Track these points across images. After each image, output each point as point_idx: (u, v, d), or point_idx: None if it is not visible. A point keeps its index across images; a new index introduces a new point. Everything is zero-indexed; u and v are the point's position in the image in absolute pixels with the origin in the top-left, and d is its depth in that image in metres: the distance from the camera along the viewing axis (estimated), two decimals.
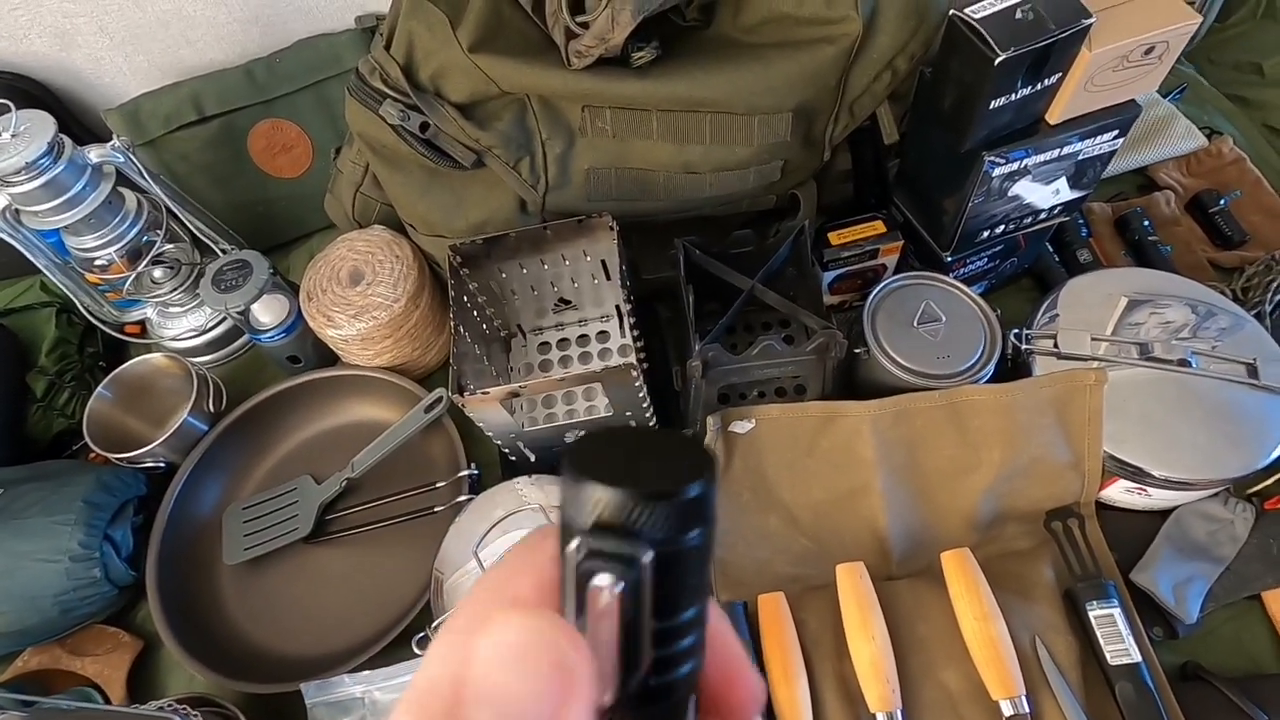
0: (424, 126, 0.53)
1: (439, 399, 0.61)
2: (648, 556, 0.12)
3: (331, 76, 0.73)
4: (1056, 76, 0.47)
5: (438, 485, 0.61)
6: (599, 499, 0.12)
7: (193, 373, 0.64)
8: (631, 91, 0.50)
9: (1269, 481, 0.53)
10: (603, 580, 0.12)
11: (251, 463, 0.67)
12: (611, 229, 0.54)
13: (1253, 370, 0.53)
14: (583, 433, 0.56)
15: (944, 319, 0.56)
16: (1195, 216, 0.72)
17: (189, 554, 0.61)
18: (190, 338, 0.72)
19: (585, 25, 0.47)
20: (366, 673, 0.53)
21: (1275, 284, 0.62)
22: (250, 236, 0.78)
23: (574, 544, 0.12)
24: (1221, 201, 0.70)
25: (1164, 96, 0.78)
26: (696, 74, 0.50)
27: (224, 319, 0.72)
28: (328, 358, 0.69)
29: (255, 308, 0.65)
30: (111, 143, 0.61)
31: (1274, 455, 0.50)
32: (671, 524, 0.12)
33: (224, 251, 0.70)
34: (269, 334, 0.66)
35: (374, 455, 0.62)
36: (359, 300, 0.62)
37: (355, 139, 0.61)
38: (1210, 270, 0.68)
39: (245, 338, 0.74)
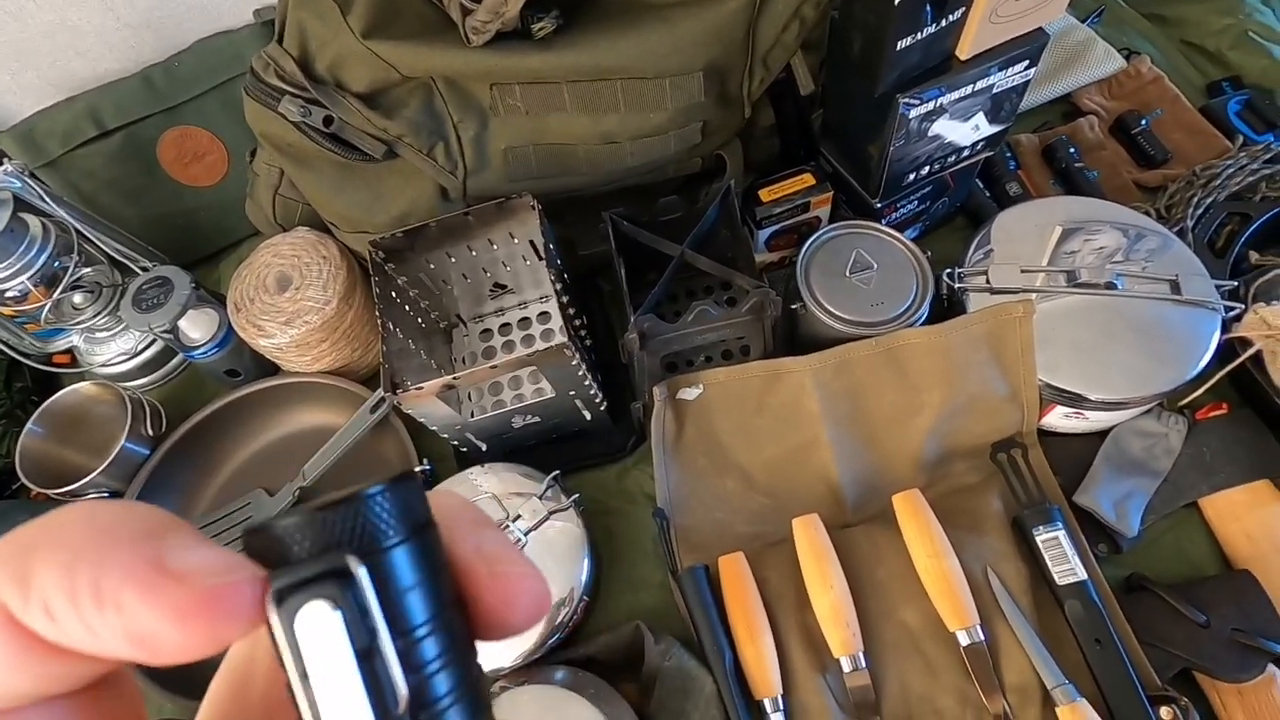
0: (328, 120, 0.51)
1: (382, 399, 0.60)
2: (355, 564, 0.11)
3: (236, 76, 0.70)
4: (960, 11, 0.47)
5: None
6: (280, 529, 0.10)
7: (125, 398, 0.62)
8: (536, 65, 0.49)
9: (1198, 392, 0.54)
10: (314, 610, 0.10)
11: (200, 482, 0.66)
12: (533, 208, 0.53)
13: (1175, 286, 0.54)
14: (532, 418, 0.56)
15: (875, 266, 0.56)
16: (1119, 139, 0.72)
17: None
18: (121, 362, 0.70)
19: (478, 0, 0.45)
20: None
21: (1195, 199, 0.63)
22: (174, 251, 0.75)
23: (268, 596, 0.11)
24: (1143, 122, 0.71)
25: (1082, 21, 0.78)
26: (600, 41, 0.49)
27: (154, 340, 0.70)
28: (267, 368, 0.68)
29: (183, 324, 0.63)
30: (3, 167, 0.58)
31: (1201, 366, 0.52)
32: (373, 520, 0.11)
33: (144, 270, 0.68)
34: (201, 350, 0.64)
35: (324, 461, 0.61)
36: (289, 306, 0.61)
37: (263, 142, 0.59)
38: (1136, 191, 0.69)
39: (180, 356, 0.72)
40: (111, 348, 0.69)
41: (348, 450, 0.61)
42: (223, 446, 0.67)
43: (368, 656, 0.10)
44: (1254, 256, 0.61)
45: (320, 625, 0.10)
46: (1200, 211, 0.62)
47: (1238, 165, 0.64)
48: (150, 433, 0.64)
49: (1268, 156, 0.64)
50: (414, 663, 0.11)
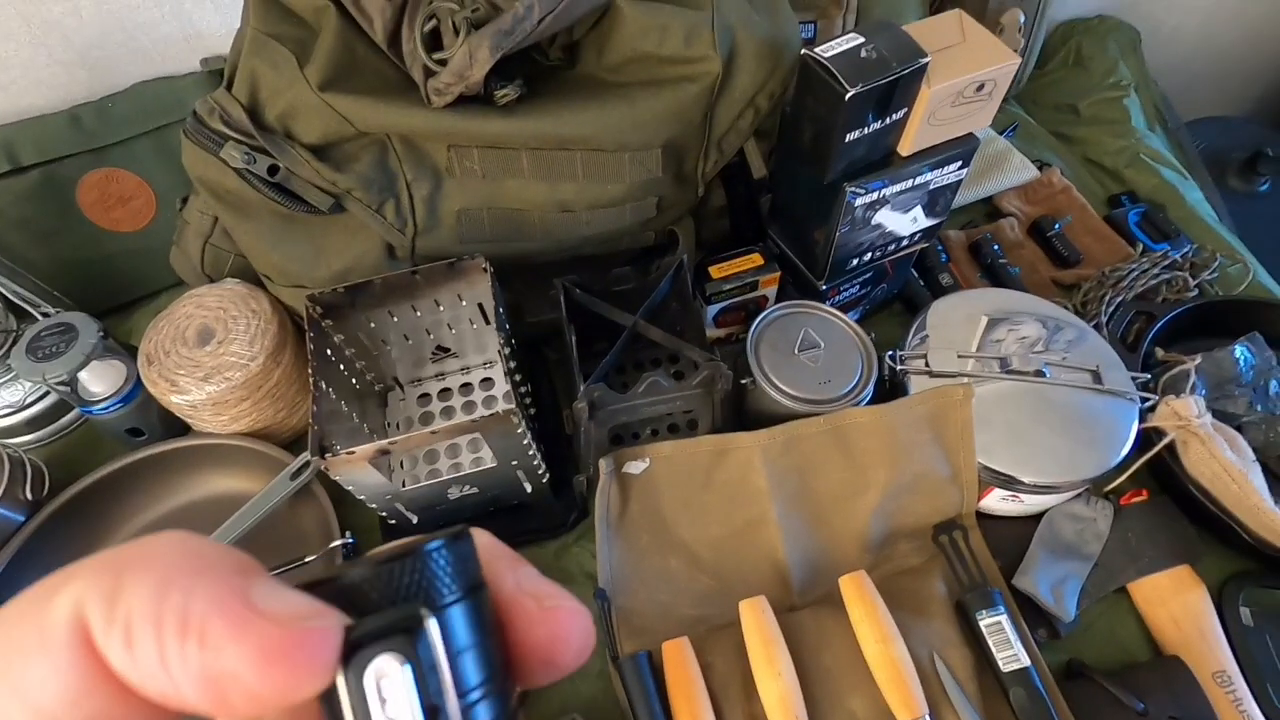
0: (273, 170, 0.49)
1: (306, 464, 0.56)
2: (429, 619, 0.10)
3: (174, 122, 0.68)
4: (902, 111, 0.50)
5: (308, 560, 0.55)
6: (345, 581, 0.10)
7: (3, 456, 0.55)
8: (497, 130, 0.49)
9: (1122, 479, 0.57)
10: (384, 663, 0.10)
11: (85, 554, 0.58)
12: (485, 271, 0.52)
13: (1097, 377, 0.57)
14: (468, 489, 0.53)
15: (823, 345, 0.57)
16: (1036, 240, 0.78)
17: None
18: (6, 415, 0.63)
19: (443, 62, 0.46)
20: None
21: (1106, 298, 0.68)
22: (86, 298, 0.70)
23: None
24: (1056, 226, 0.77)
25: (1000, 134, 0.86)
26: (563, 112, 0.49)
27: (48, 392, 0.63)
28: (176, 427, 0.62)
29: (84, 376, 0.57)
30: None
31: (1124, 453, 0.54)
32: (435, 575, 0.11)
33: (46, 315, 0.62)
34: (103, 405, 0.59)
35: (233, 532, 0.56)
36: (209, 361, 0.56)
37: (199, 188, 0.56)
38: (1053, 288, 0.74)
39: (76, 411, 0.65)
40: None
41: (261, 520, 0.56)
42: (115, 513, 0.60)
43: (433, 716, 0.10)
44: (1159, 353, 0.66)
45: (391, 680, 0.10)
46: (1112, 309, 0.67)
47: (1141, 269, 0.69)
48: (29, 497, 0.57)
49: (1166, 263, 0.70)
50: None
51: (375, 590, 0.10)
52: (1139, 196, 0.81)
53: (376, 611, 0.10)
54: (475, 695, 0.11)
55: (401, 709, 0.10)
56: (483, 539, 0.13)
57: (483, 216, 0.54)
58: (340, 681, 0.10)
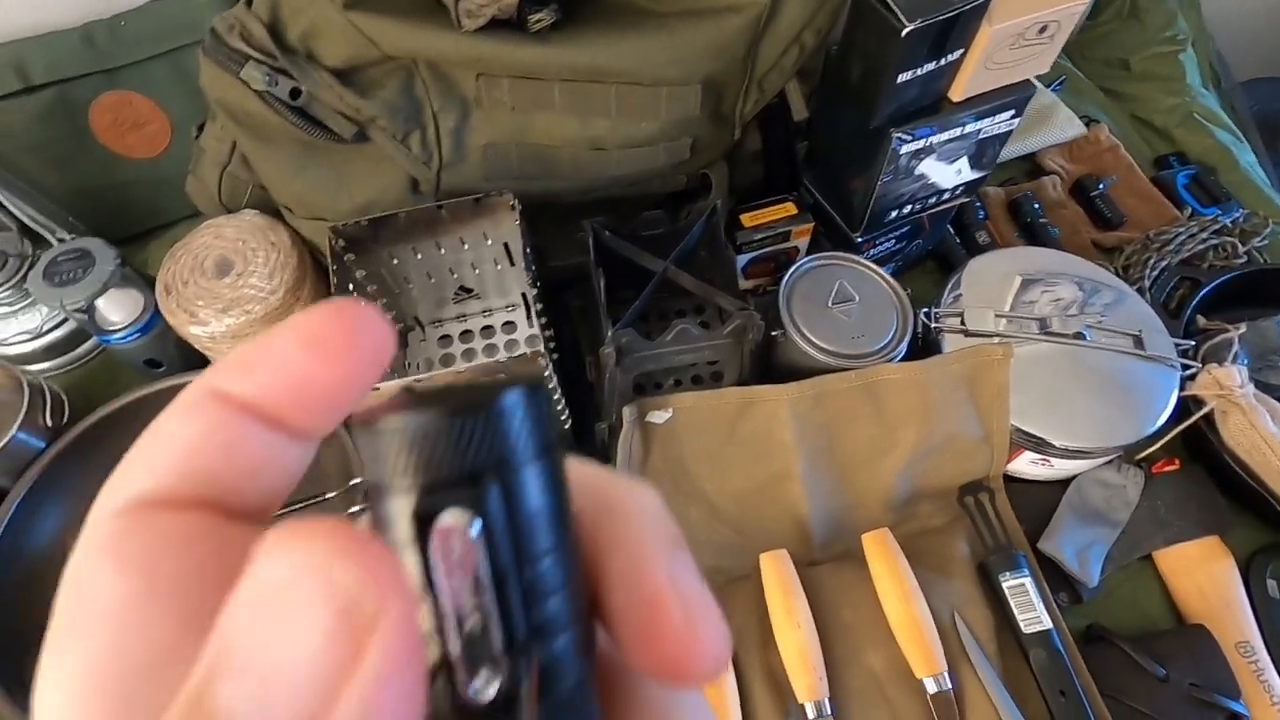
0: (295, 93, 0.47)
1: None
2: (505, 479, 0.10)
3: (188, 44, 0.65)
4: (959, 52, 0.47)
5: (328, 496, 0.55)
6: (417, 428, 0.10)
7: (23, 382, 0.55)
8: (529, 58, 0.47)
9: (1155, 447, 0.55)
10: (452, 519, 0.10)
11: (102, 483, 0.58)
12: (513, 208, 0.50)
13: (1139, 341, 0.55)
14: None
15: (857, 299, 0.55)
16: (1078, 200, 0.75)
17: (24, 594, 0.52)
18: (23, 341, 0.62)
19: None
20: None
21: (1151, 262, 0.65)
22: (100, 226, 0.68)
23: (396, 495, 0.10)
24: (1100, 186, 0.74)
25: (1046, 87, 0.82)
26: (600, 41, 0.47)
27: (65, 319, 0.62)
28: (194, 360, 0.61)
29: (101, 303, 0.56)
30: None
31: (1161, 421, 0.53)
32: (514, 434, 0.10)
33: (62, 241, 0.61)
34: (121, 334, 0.58)
35: None
36: (228, 293, 0.55)
37: (217, 111, 0.54)
38: (1094, 251, 0.72)
39: (93, 340, 0.65)
40: (13, 325, 0.61)
41: None
42: (132, 444, 0.59)
43: (501, 580, 0.10)
44: (1202, 320, 0.63)
45: (458, 536, 0.10)
46: (1156, 274, 0.65)
47: (1189, 233, 0.67)
48: (49, 424, 0.56)
49: (1215, 228, 0.68)
50: (535, 592, 0.10)
51: (445, 443, 0.10)
52: (1189, 158, 0.78)
53: (445, 466, 0.10)
54: (545, 562, 0.10)
55: (467, 569, 0.10)
56: (645, 501, 0.12)
57: (510, 152, 0.52)
58: (401, 530, 0.10)
